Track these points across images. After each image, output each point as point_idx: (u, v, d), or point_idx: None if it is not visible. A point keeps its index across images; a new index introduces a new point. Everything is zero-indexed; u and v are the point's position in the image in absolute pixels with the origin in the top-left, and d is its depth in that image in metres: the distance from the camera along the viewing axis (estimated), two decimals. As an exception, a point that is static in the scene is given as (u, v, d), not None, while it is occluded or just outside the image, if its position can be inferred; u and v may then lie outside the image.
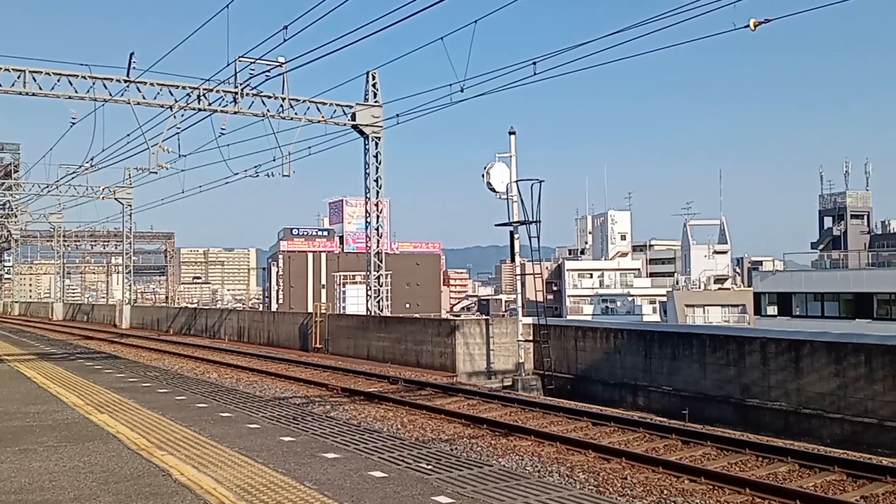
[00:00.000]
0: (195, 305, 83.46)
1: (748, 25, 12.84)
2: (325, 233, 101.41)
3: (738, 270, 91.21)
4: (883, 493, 9.92)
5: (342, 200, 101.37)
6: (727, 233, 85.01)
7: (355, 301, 58.26)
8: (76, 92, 26.66)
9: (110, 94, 26.86)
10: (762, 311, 46.27)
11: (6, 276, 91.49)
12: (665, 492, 9.72)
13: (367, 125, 31.36)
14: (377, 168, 32.03)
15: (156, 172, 27.77)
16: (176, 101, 27.36)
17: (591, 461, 11.30)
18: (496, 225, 25.53)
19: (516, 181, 24.62)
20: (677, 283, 78.64)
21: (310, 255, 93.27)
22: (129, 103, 26.92)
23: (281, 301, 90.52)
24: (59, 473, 7.97)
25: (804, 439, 15.06)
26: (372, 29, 15.22)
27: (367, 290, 34.13)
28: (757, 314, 47.52)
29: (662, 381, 20.62)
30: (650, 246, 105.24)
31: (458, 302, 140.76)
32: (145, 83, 27.13)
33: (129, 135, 28.87)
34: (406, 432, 13.30)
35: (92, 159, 32.17)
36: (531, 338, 24.69)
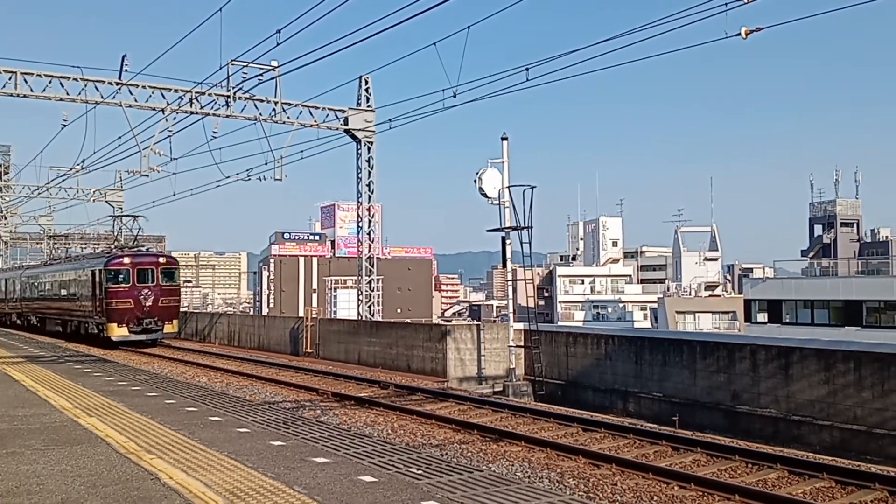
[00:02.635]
0: (185, 309, 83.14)
1: (740, 34, 12.90)
2: (317, 237, 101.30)
3: (728, 277, 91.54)
4: (871, 499, 9.97)
5: (334, 205, 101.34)
6: (718, 240, 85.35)
7: (346, 306, 58.16)
8: (67, 94, 26.57)
9: (102, 97, 26.78)
10: (752, 318, 46.46)
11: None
12: (655, 498, 9.73)
13: (359, 129, 31.36)
14: (369, 173, 32.02)
15: (147, 175, 27.66)
16: (168, 104, 27.31)
17: (581, 467, 11.30)
18: (488, 230, 25.58)
19: (508, 187, 24.66)
20: (668, 290, 78.88)
21: (301, 260, 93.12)
22: (121, 106, 26.84)
23: (272, 305, 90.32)
24: (47, 477, 7.93)
25: (794, 446, 15.12)
26: (365, 34, 15.23)
27: (358, 295, 34.09)
28: (747, 321, 47.72)
29: (653, 387, 20.65)
30: (641, 252, 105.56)
31: (450, 307, 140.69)
32: (137, 86, 27.06)
33: (120, 137, 28.82)
34: (396, 437, 13.28)
35: (83, 162, 32.07)
36: (522, 343, 24.70)
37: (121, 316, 32.79)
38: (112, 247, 38.65)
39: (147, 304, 33.21)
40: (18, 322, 48.68)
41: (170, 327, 34.10)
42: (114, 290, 32.99)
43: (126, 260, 33.79)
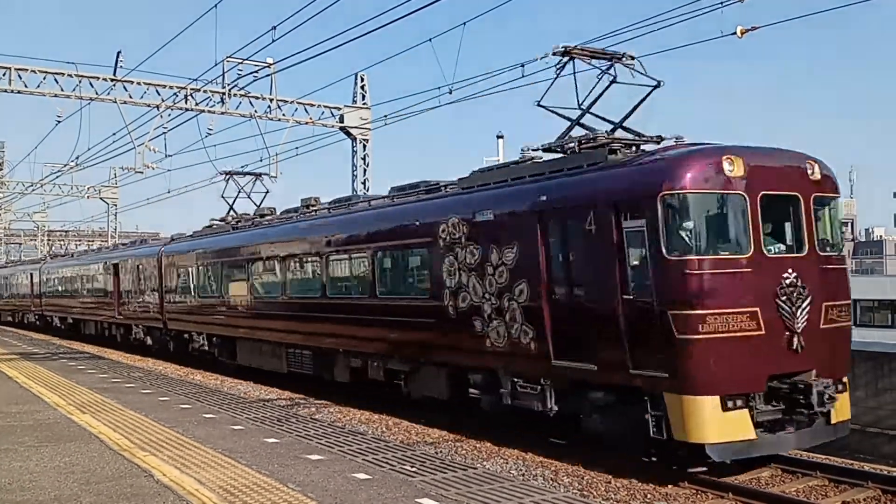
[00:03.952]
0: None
1: (735, 32, 12.92)
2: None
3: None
4: (864, 498, 9.98)
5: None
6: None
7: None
8: (62, 90, 26.49)
9: (96, 93, 26.72)
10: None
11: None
12: (649, 496, 9.74)
13: (354, 127, 31.34)
14: (365, 170, 32.02)
15: (142, 172, 27.58)
16: (163, 101, 27.23)
17: (576, 465, 11.29)
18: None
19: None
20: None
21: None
22: (116, 102, 26.77)
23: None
24: (40, 473, 7.91)
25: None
26: (361, 31, 15.21)
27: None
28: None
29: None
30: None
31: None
32: (132, 82, 26.99)
33: (115, 134, 28.67)
34: (391, 435, 13.27)
35: (77, 158, 31.93)
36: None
37: (732, 366, 9.59)
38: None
39: (801, 324, 9.96)
40: (199, 346, 23.43)
41: (842, 402, 10.66)
42: (698, 274, 9.65)
43: (733, 167, 9.94)
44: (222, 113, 28.10)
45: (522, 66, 17.37)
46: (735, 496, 9.67)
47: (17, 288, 46.57)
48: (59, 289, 38.57)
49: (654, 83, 11.83)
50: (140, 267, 27.87)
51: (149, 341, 27.48)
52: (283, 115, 29.44)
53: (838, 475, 10.71)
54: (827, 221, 10.87)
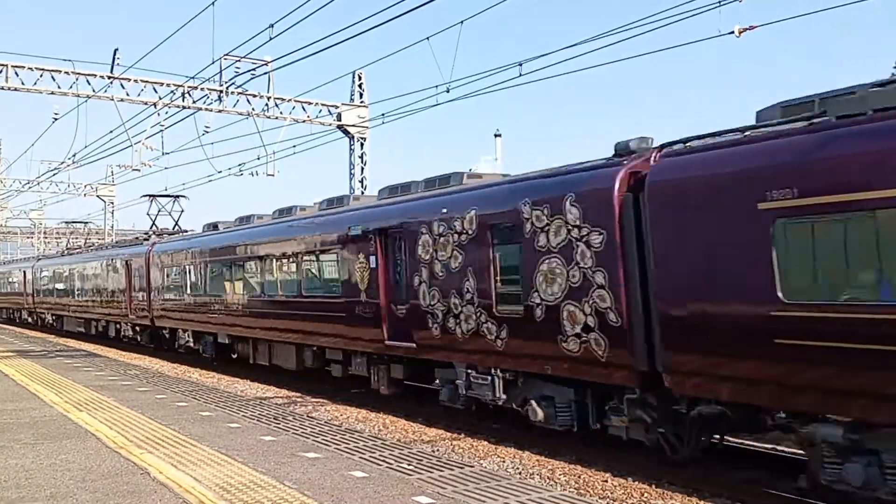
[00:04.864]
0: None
1: (733, 32, 12.91)
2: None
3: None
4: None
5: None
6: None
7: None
8: (59, 88, 26.45)
9: (93, 91, 26.68)
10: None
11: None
12: (646, 494, 9.74)
13: (352, 125, 31.33)
14: (362, 169, 32.01)
15: (138, 170, 27.59)
16: (160, 99, 27.21)
17: (573, 464, 11.29)
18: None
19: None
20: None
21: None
22: (113, 100, 26.75)
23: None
24: (36, 471, 7.90)
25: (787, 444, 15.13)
26: (358, 29, 15.19)
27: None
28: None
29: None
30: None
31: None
32: (129, 80, 26.98)
33: (111, 131, 28.70)
34: (388, 433, 13.27)
35: (74, 156, 31.89)
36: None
37: None
38: None
39: None
40: None
41: None
42: None
43: None
44: (219, 111, 28.08)
45: (520, 65, 17.35)
46: (731, 495, 9.66)
47: (96, 282, 31.16)
48: (196, 284, 23.21)
49: None
50: (430, 237, 13.00)
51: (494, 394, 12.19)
52: (281, 113, 29.45)
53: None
54: None
